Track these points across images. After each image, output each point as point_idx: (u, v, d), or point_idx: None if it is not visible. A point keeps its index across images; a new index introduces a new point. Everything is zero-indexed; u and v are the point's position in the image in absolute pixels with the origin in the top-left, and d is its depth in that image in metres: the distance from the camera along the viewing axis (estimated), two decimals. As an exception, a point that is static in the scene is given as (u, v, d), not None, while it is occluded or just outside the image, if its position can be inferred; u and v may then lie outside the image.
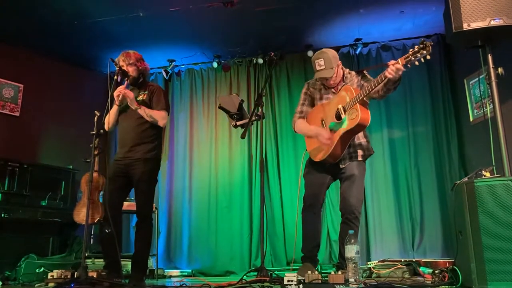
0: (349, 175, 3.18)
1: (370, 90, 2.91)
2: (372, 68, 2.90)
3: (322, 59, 3.13)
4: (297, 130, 3.39)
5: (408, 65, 2.76)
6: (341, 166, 3.21)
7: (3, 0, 4.58)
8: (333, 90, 3.28)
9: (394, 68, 2.77)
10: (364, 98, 2.96)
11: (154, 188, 3.54)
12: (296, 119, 3.41)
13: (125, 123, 3.54)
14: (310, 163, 3.33)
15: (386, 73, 2.81)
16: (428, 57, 2.69)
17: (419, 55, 2.69)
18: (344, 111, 3.04)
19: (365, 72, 3.29)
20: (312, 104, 3.38)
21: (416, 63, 2.73)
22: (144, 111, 3.44)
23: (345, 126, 3.02)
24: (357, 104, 2.95)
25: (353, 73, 3.32)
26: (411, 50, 2.73)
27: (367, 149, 3.26)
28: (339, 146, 3.09)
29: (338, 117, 3.08)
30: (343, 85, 3.22)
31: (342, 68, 3.28)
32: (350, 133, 3.06)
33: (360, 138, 3.24)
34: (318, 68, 3.16)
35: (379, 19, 5.22)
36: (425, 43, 2.67)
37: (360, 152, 3.21)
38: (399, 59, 2.78)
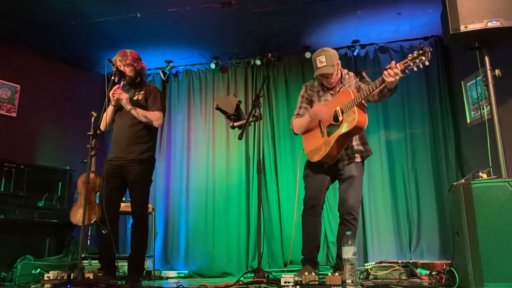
0: (348, 176, 3.18)
1: (368, 93, 2.91)
2: (370, 70, 2.92)
3: (323, 56, 3.13)
4: (296, 130, 3.38)
5: (407, 70, 2.75)
6: (339, 167, 3.21)
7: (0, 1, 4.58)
8: (331, 91, 3.28)
9: (392, 72, 2.77)
10: (362, 101, 2.97)
11: (149, 188, 3.52)
12: (293, 120, 3.41)
13: (120, 123, 3.52)
14: (309, 165, 3.33)
15: (384, 76, 2.81)
16: (427, 63, 2.68)
17: (417, 60, 2.68)
18: (342, 113, 3.04)
19: (363, 73, 3.28)
20: (311, 106, 3.38)
21: (415, 68, 2.72)
22: (137, 112, 3.43)
23: (342, 128, 3.03)
24: (355, 106, 2.95)
25: (351, 74, 3.32)
26: (410, 55, 2.72)
27: (365, 150, 3.27)
28: (335, 147, 3.09)
29: (336, 119, 3.08)
30: (341, 86, 3.22)
31: (340, 69, 3.28)
32: (347, 135, 3.06)
33: (358, 139, 3.24)
34: (319, 65, 3.15)
35: (377, 21, 5.23)
36: (424, 49, 2.66)
37: (358, 154, 3.22)
38: (397, 64, 2.77)
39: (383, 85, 2.86)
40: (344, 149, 3.15)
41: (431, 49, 2.70)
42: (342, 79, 3.28)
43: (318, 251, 3.28)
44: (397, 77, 2.78)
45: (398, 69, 2.75)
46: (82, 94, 6.09)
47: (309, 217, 3.24)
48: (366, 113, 3.01)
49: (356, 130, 3.01)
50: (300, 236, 3.31)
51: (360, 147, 3.24)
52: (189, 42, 5.78)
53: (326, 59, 3.12)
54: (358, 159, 3.21)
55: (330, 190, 5.00)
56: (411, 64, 2.71)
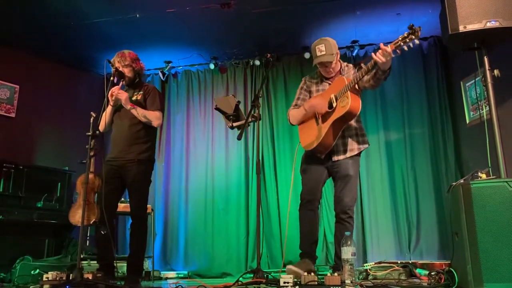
0: (344, 175, 3.16)
1: (361, 76, 2.93)
2: (368, 59, 2.92)
3: (323, 45, 3.15)
4: (291, 120, 3.38)
5: (397, 50, 2.78)
6: (334, 159, 3.19)
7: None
8: (329, 81, 3.28)
9: (386, 53, 2.77)
10: (356, 86, 2.98)
11: (148, 189, 3.52)
12: (290, 110, 3.41)
13: (119, 123, 3.52)
14: (306, 160, 3.33)
15: (375, 57, 2.81)
16: (417, 42, 2.72)
17: (408, 40, 2.71)
18: (336, 99, 3.05)
19: (362, 64, 3.28)
20: (310, 96, 3.38)
21: (405, 48, 2.76)
22: (137, 112, 3.43)
23: (336, 113, 3.03)
24: (348, 92, 2.95)
25: (351, 65, 3.34)
26: (400, 36, 2.75)
27: (362, 142, 3.24)
28: (330, 134, 3.08)
29: (330, 106, 3.09)
30: (339, 77, 3.23)
31: (339, 61, 3.29)
32: (341, 121, 3.05)
33: (355, 129, 3.23)
34: (318, 53, 3.16)
35: (376, 21, 5.23)
36: (413, 28, 2.69)
37: (354, 145, 3.19)
38: (388, 45, 2.79)
39: (376, 67, 2.87)
40: (341, 138, 3.14)
41: (421, 27, 2.71)
42: (341, 70, 3.29)
43: (316, 246, 3.26)
44: (389, 58, 2.79)
45: (389, 48, 2.76)
46: (81, 94, 6.09)
47: (306, 211, 3.23)
48: (360, 98, 3.02)
49: (349, 115, 3.00)
50: (298, 234, 3.29)
51: (358, 137, 3.22)
52: (188, 43, 5.77)
53: (325, 48, 3.13)
54: (354, 151, 3.19)
55: (330, 191, 5.03)
56: (402, 44, 2.75)
